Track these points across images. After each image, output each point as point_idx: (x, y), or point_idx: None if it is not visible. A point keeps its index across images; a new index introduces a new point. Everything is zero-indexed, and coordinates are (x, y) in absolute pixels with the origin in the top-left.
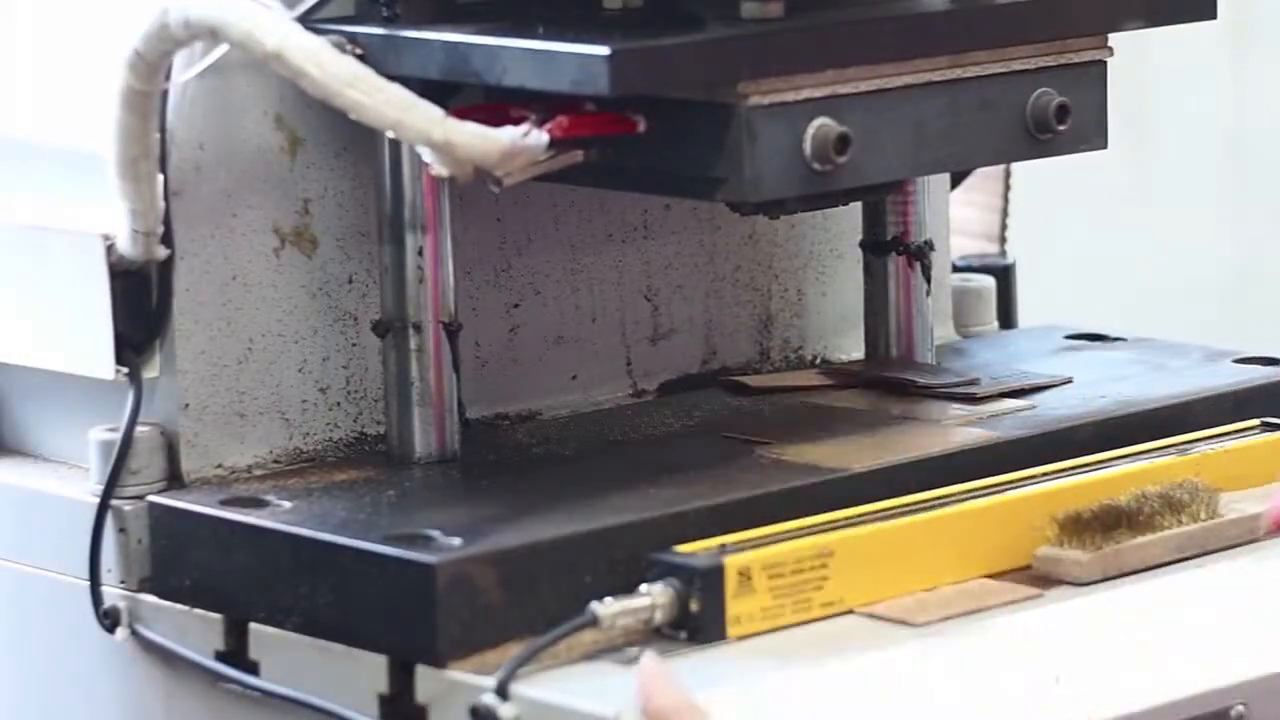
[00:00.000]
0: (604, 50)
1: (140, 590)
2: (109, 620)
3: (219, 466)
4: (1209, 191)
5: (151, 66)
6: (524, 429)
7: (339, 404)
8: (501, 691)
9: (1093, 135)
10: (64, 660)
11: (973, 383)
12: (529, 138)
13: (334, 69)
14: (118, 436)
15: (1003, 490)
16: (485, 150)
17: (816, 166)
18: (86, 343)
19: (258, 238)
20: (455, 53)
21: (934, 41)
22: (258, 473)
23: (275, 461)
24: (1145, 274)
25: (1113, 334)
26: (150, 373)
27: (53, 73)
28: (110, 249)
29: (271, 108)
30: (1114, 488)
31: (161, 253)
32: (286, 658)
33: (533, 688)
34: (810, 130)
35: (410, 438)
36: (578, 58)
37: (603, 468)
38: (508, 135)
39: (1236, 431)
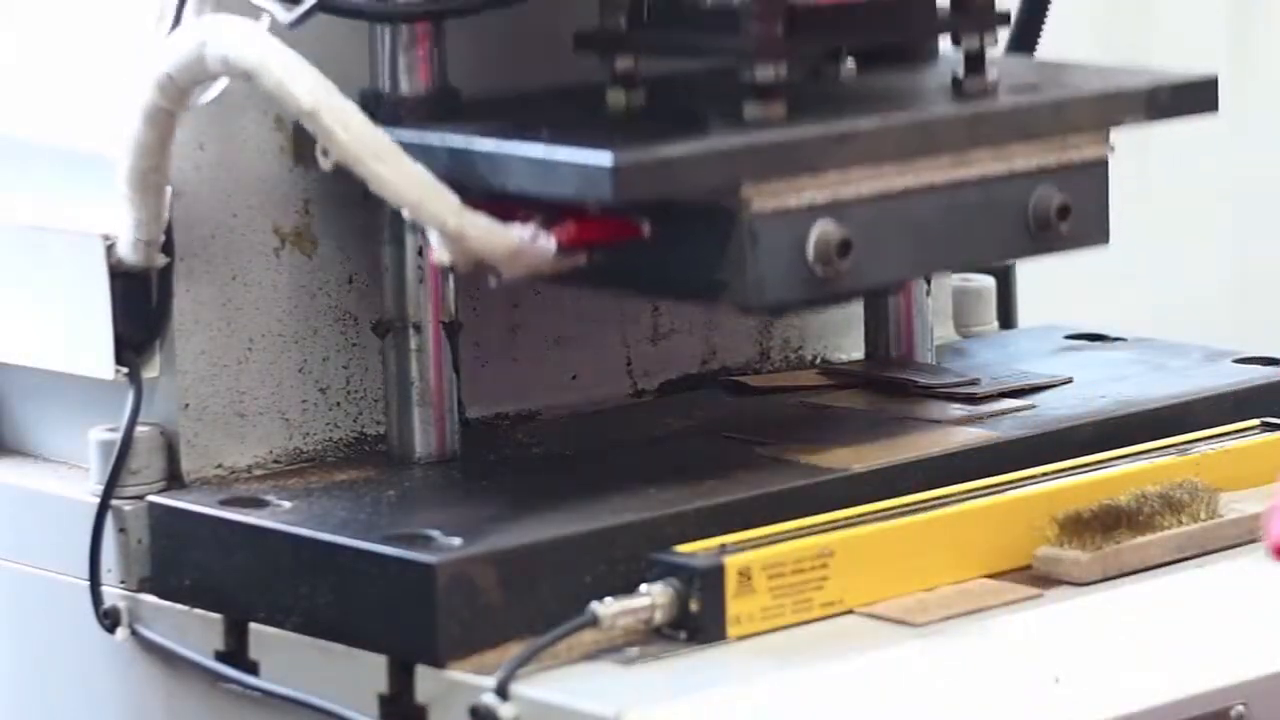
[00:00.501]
0: (607, 160)
1: (140, 590)
2: (109, 620)
3: (219, 466)
4: (1209, 192)
5: (181, 91)
6: (524, 429)
7: (339, 404)
8: (501, 691)
9: (1094, 233)
10: (64, 660)
11: (973, 383)
12: (537, 241)
13: (362, 137)
14: (118, 436)
15: (1003, 490)
16: (494, 246)
17: (819, 270)
18: (86, 343)
19: (258, 238)
20: (460, 158)
21: (936, 143)
22: (258, 473)
23: (275, 461)
24: (1146, 275)
25: (1113, 334)
26: (150, 373)
27: (53, 73)
28: (110, 249)
29: (271, 108)
30: (1114, 488)
31: (161, 260)
32: (286, 658)
33: (533, 688)
34: (813, 235)
35: (410, 438)
36: (582, 168)
37: (603, 468)
38: (517, 236)
39: (1236, 431)
